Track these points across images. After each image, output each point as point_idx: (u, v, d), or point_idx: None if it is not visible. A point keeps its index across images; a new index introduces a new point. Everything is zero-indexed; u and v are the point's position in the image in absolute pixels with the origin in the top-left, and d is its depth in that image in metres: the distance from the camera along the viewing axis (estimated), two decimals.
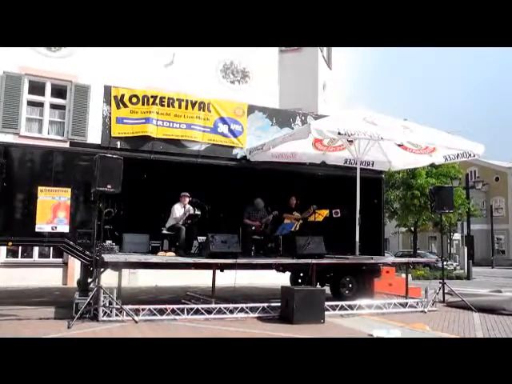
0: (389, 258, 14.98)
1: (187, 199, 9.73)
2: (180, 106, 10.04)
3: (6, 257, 13.10)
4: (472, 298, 10.15)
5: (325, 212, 10.35)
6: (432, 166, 19.39)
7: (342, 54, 24.17)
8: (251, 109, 10.76)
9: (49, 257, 13.54)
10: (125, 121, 9.62)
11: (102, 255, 7.89)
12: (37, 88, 13.68)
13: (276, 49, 16.88)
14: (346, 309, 8.91)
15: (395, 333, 6.94)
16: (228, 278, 9.11)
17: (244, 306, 8.32)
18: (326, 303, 8.33)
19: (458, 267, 24.07)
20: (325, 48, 20.23)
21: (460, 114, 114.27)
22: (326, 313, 8.15)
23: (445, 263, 23.88)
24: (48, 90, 13.78)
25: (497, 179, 45.62)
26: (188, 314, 7.89)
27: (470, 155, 10.28)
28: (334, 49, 21.40)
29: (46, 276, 12.80)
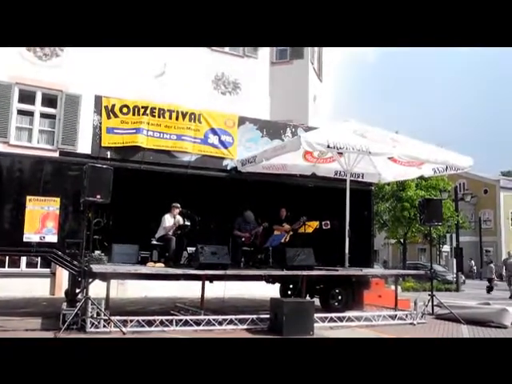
0: (378, 270, 15.03)
1: (177, 210, 9.72)
2: (171, 117, 10.06)
3: None
4: (461, 310, 10.20)
5: (315, 224, 10.37)
6: (421, 178, 19.55)
7: (333, 67, 24.35)
8: (242, 120, 10.80)
9: (36, 267, 13.39)
10: (115, 131, 9.62)
11: (91, 265, 7.83)
12: (27, 97, 13.61)
13: (267, 61, 16.98)
14: (335, 321, 8.91)
15: None
16: (217, 290, 9.08)
17: (233, 317, 8.29)
18: (316, 315, 8.31)
19: (454, 278, 23.86)
20: (315, 60, 20.44)
21: (449, 128, 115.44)
22: (316, 325, 8.13)
23: (450, 276, 23.75)
24: (38, 99, 13.71)
25: (485, 192, 45.94)
26: (177, 325, 7.83)
27: (458, 168, 10.41)
28: (324, 62, 21.62)
29: (34, 286, 12.65)
